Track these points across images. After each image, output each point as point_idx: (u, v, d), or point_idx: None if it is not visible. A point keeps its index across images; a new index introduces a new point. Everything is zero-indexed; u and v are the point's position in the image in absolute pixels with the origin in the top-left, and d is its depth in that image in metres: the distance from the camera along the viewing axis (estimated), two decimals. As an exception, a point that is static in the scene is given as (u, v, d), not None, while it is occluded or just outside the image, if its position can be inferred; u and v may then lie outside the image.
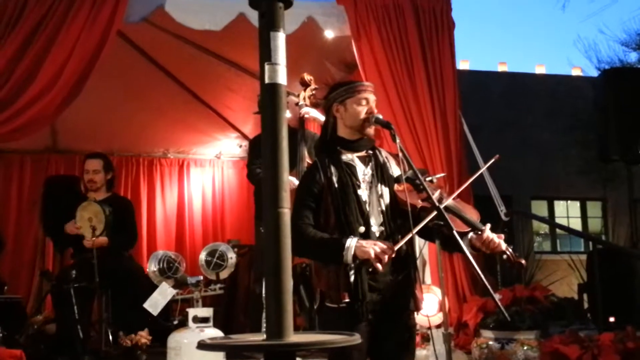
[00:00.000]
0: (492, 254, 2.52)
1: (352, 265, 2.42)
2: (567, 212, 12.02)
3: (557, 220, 11.75)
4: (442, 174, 2.94)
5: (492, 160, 2.69)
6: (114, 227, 4.75)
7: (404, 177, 2.57)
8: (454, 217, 2.47)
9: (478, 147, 4.99)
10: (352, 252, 2.37)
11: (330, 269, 2.52)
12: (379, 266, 2.33)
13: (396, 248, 2.37)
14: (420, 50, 5.03)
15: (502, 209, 4.80)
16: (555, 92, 11.54)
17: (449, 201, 2.53)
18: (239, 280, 6.12)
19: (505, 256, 2.47)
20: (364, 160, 2.65)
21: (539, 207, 11.77)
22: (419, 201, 2.51)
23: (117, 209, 4.92)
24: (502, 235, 2.49)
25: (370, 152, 2.69)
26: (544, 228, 11.70)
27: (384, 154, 2.72)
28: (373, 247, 2.34)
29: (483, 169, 2.82)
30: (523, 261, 2.47)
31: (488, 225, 2.49)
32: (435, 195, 2.49)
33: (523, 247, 8.31)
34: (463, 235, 2.47)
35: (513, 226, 10.07)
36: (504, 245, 2.47)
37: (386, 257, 2.33)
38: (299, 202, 2.57)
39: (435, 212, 2.39)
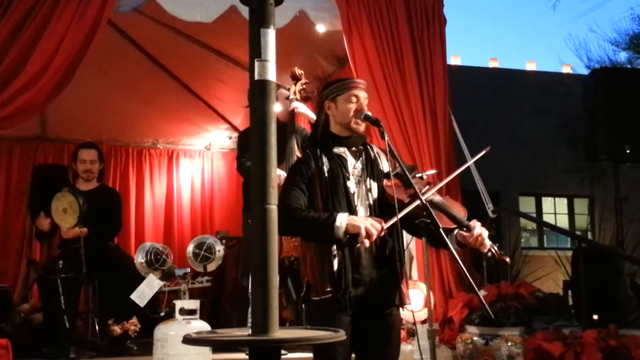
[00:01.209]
0: (477, 251, 2.54)
1: (344, 240, 2.43)
2: (555, 209, 12.10)
3: (545, 217, 11.83)
4: (433, 171, 2.96)
5: (483, 152, 2.70)
6: (100, 217, 4.75)
7: (392, 173, 2.60)
8: (440, 214, 2.50)
9: (467, 143, 5.02)
10: (344, 227, 2.39)
11: (317, 259, 2.54)
12: (367, 242, 2.35)
13: (386, 226, 2.40)
14: (411, 46, 5.04)
15: (489, 207, 4.83)
16: (545, 90, 11.58)
17: (435, 197, 2.56)
18: (227, 273, 6.13)
19: (490, 254, 2.50)
20: (355, 155, 2.69)
21: (527, 203, 11.83)
22: (407, 197, 2.53)
23: (104, 199, 4.93)
24: (487, 232, 2.52)
25: (362, 147, 2.72)
26: (531, 224, 11.78)
27: (375, 150, 2.75)
28: (364, 222, 2.37)
29: (472, 160, 2.83)
30: (508, 259, 2.50)
31: (475, 222, 2.51)
32: (422, 191, 2.51)
33: (510, 243, 8.34)
34: (449, 231, 2.50)
35: (501, 222, 10.14)
36: (489, 243, 2.50)
37: (375, 233, 2.36)
38: (288, 185, 2.59)
39: (418, 202, 2.42)
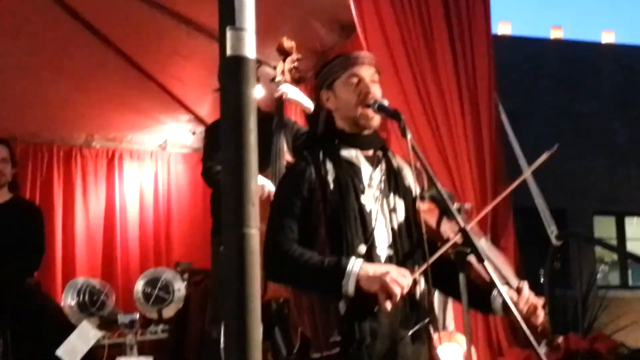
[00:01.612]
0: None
1: (347, 297, 2.44)
2: (644, 234, 12.14)
3: (630, 244, 11.85)
4: (468, 205, 2.97)
5: (546, 155, 2.67)
6: (12, 243, 4.77)
7: (427, 193, 2.62)
8: (481, 265, 2.49)
9: (522, 143, 5.03)
10: (355, 281, 2.40)
11: (318, 302, 2.56)
12: (389, 305, 2.35)
13: (412, 277, 2.40)
14: (443, 9, 5.06)
15: (552, 230, 4.85)
16: (629, 69, 11.63)
17: (480, 239, 2.56)
18: (190, 320, 6.12)
19: (539, 328, 2.52)
20: (371, 161, 2.70)
21: (605, 226, 11.86)
22: (444, 229, 2.53)
23: (18, 217, 4.94)
24: (542, 301, 2.53)
25: (380, 152, 2.74)
26: (611, 255, 11.80)
27: (398, 160, 2.77)
28: (384, 276, 2.36)
29: (533, 167, 2.77)
30: (560, 341, 2.52)
31: (525, 284, 2.53)
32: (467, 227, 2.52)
33: (582, 281, 8.39)
34: (491, 288, 2.51)
35: (569, 251, 10.16)
36: (542, 315, 2.52)
37: (399, 292, 2.35)
38: (279, 209, 2.62)
39: (457, 239, 2.42)
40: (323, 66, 2.81)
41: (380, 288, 2.35)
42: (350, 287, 2.40)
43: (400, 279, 2.36)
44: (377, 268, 2.43)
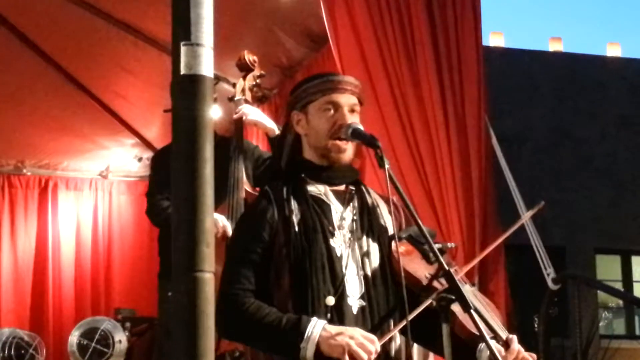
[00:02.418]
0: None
1: None
2: (653, 275, 12.23)
3: (638, 287, 11.93)
4: (452, 244, 2.98)
5: (531, 213, 2.74)
6: None
7: (403, 233, 2.60)
8: (465, 315, 2.49)
9: (515, 172, 5.06)
10: (315, 346, 2.39)
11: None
12: None
13: (381, 343, 2.39)
14: (427, 19, 5.10)
15: (549, 271, 4.87)
16: (636, 87, 11.77)
17: (465, 286, 2.57)
18: (133, 376, 6.09)
19: None
20: (342, 198, 2.69)
21: (609, 266, 11.94)
22: (426, 275, 2.53)
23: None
24: (533, 355, 2.54)
25: (353, 188, 2.72)
26: (616, 300, 11.86)
27: (372, 195, 2.76)
28: (347, 341, 2.36)
29: (512, 229, 2.84)
30: None
31: (514, 337, 2.52)
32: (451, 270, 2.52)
33: (582, 329, 8.42)
34: (477, 341, 2.50)
35: (567, 295, 10.20)
36: None
37: (365, 358, 2.35)
38: (235, 254, 2.61)
39: (445, 293, 2.41)
40: (300, 84, 2.80)
41: (345, 352, 2.34)
42: (309, 352, 2.39)
43: (368, 345, 2.36)
44: (342, 330, 2.41)
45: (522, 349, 2.51)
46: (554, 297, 5.13)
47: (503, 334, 2.53)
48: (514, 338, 2.52)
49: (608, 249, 11.75)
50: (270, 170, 2.87)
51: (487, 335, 2.43)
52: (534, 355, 2.55)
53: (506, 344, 2.50)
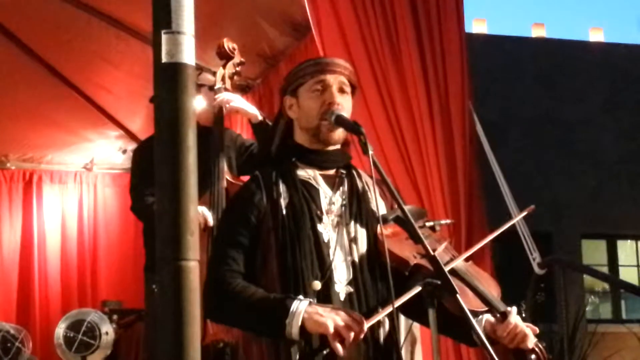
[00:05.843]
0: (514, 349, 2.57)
1: (299, 342, 2.44)
2: (638, 259, 12.25)
3: (622, 272, 11.97)
4: (448, 221, 2.97)
5: (521, 216, 2.75)
6: None
7: (391, 216, 2.59)
8: (463, 288, 2.51)
9: (499, 156, 5.07)
10: (300, 322, 2.39)
11: (268, 346, 2.55)
12: (340, 349, 2.34)
13: (368, 325, 2.39)
14: (409, 6, 5.10)
15: (535, 257, 4.89)
16: (620, 72, 11.78)
17: (458, 261, 2.57)
18: (120, 369, 6.08)
19: (534, 356, 2.55)
20: (332, 183, 2.70)
21: (595, 250, 11.97)
22: (414, 255, 2.54)
23: None
24: (533, 327, 2.57)
25: (343, 171, 2.73)
26: (602, 284, 11.89)
27: (364, 178, 2.77)
28: (333, 317, 2.37)
29: (499, 230, 2.86)
30: None
31: (513, 309, 2.55)
32: (438, 250, 2.53)
33: (569, 314, 8.45)
34: (475, 315, 2.51)
35: (554, 280, 10.23)
36: (533, 340, 2.55)
37: (352, 335, 2.35)
38: (223, 237, 2.63)
39: (433, 277, 2.41)
40: (291, 70, 2.81)
41: (329, 331, 2.33)
42: (294, 329, 2.39)
43: (354, 325, 2.35)
44: (327, 308, 2.42)
45: (521, 321, 2.53)
46: (541, 283, 5.14)
47: (501, 306, 2.54)
48: (513, 310, 2.55)
49: (593, 233, 11.78)
50: (255, 157, 2.86)
51: (481, 309, 2.49)
52: (535, 328, 2.57)
53: (503, 316, 2.52)
